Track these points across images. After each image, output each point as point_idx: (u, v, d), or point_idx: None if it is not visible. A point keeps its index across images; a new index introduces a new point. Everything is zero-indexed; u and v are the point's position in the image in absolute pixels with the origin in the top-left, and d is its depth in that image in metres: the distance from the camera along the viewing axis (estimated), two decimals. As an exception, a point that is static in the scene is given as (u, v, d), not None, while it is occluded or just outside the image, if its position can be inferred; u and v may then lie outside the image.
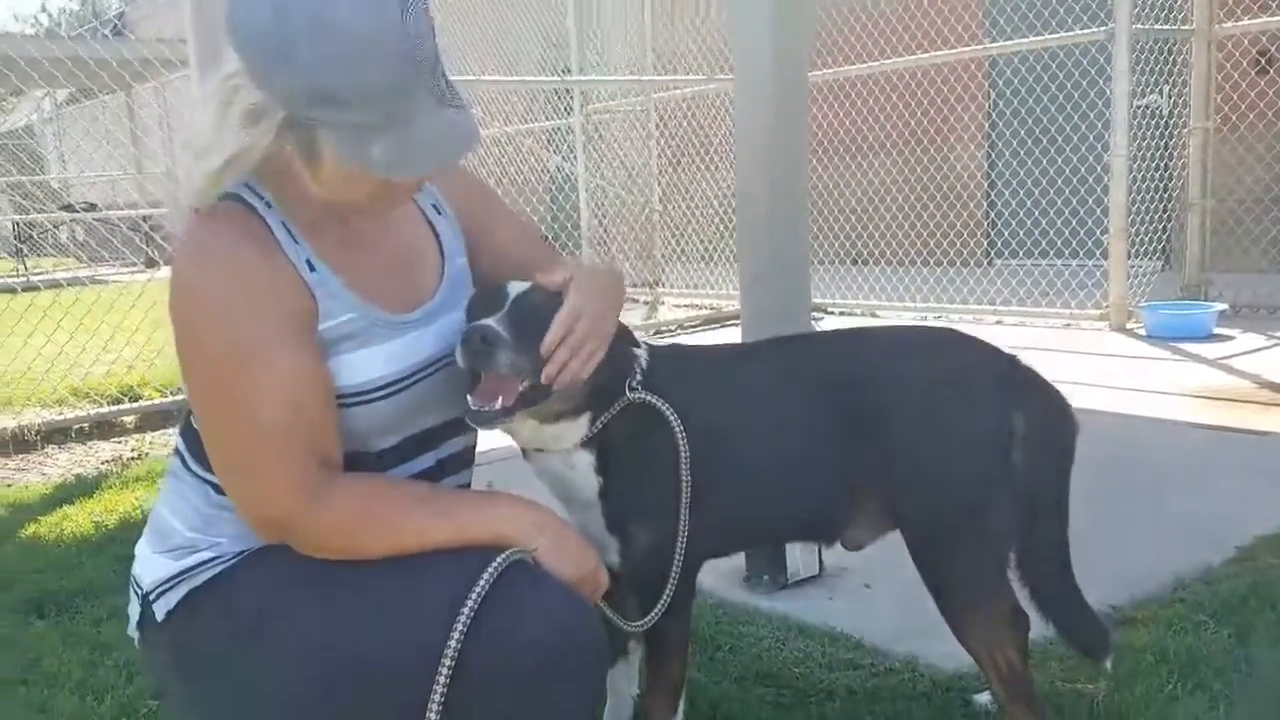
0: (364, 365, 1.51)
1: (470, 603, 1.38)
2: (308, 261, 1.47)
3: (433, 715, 1.36)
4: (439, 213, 1.73)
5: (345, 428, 1.50)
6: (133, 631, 1.62)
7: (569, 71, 9.08)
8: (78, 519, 3.74)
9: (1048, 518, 1.87)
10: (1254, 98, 6.96)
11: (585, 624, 1.45)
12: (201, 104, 1.41)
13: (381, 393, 1.52)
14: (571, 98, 9.17)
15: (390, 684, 1.39)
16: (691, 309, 8.68)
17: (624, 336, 1.76)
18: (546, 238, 1.97)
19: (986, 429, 1.81)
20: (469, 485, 1.78)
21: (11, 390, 5.82)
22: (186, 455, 1.58)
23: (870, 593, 2.76)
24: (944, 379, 1.86)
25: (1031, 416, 1.81)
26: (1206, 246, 7.05)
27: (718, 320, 8.22)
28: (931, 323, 7.22)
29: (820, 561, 2.84)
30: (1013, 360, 1.90)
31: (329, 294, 1.49)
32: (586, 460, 1.76)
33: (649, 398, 1.73)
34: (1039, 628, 1.98)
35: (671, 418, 1.73)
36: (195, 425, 1.53)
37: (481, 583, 1.39)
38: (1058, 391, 1.89)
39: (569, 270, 1.62)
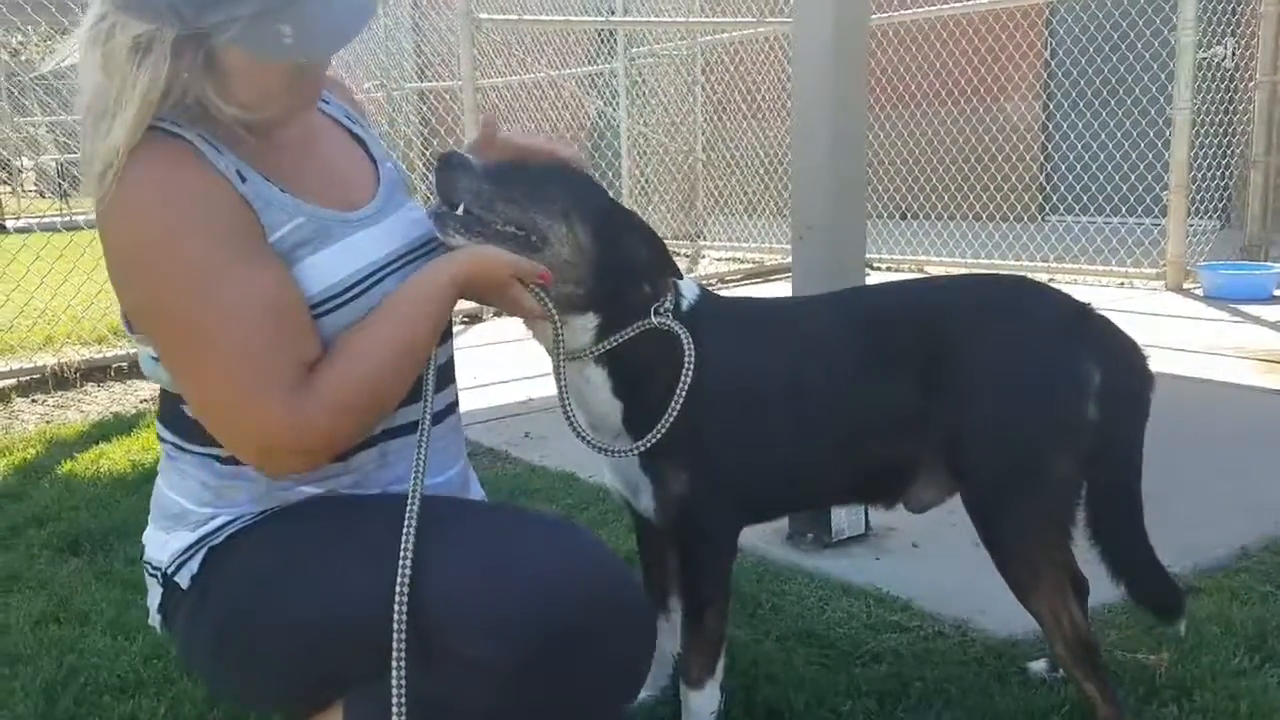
0: (328, 266, 1.42)
1: (406, 549, 1.31)
2: (238, 173, 1.38)
3: (397, 663, 1.26)
4: (353, 121, 1.65)
5: (323, 338, 1.41)
6: (154, 619, 1.57)
7: (613, 13, 8.89)
8: (114, 457, 3.72)
9: (1121, 475, 1.79)
10: (1327, 50, 6.66)
11: (626, 580, 1.37)
12: (82, 62, 1.31)
13: (351, 293, 1.43)
14: (615, 40, 8.99)
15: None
16: (734, 262, 8.54)
17: (665, 267, 1.70)
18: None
19: (1057, 380, 1.73)
20: (456, 401, 1.70)
21: (52, 327, 5.83)
22: (176, 438, 1.51)
23: (918, 552, 2.67)
24: (1014, 328, 1.78)
25: (1106, 369, 1.73)
26: (1269, 205, 6.81)
27: (760, 274, 8.08)
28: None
29: (866, 520, 2.75)
30: (1086, 309, 1.82)
31: (268, 203, 1.40)
32: (600, 377, 1.69)
33: (669, 324, 1.64)
34: (1096, 595, 1.90)
35: (686, 344, 1.64)
36: (178, 406, 1.46)
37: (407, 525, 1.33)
38: (1134, 343, 1.80)
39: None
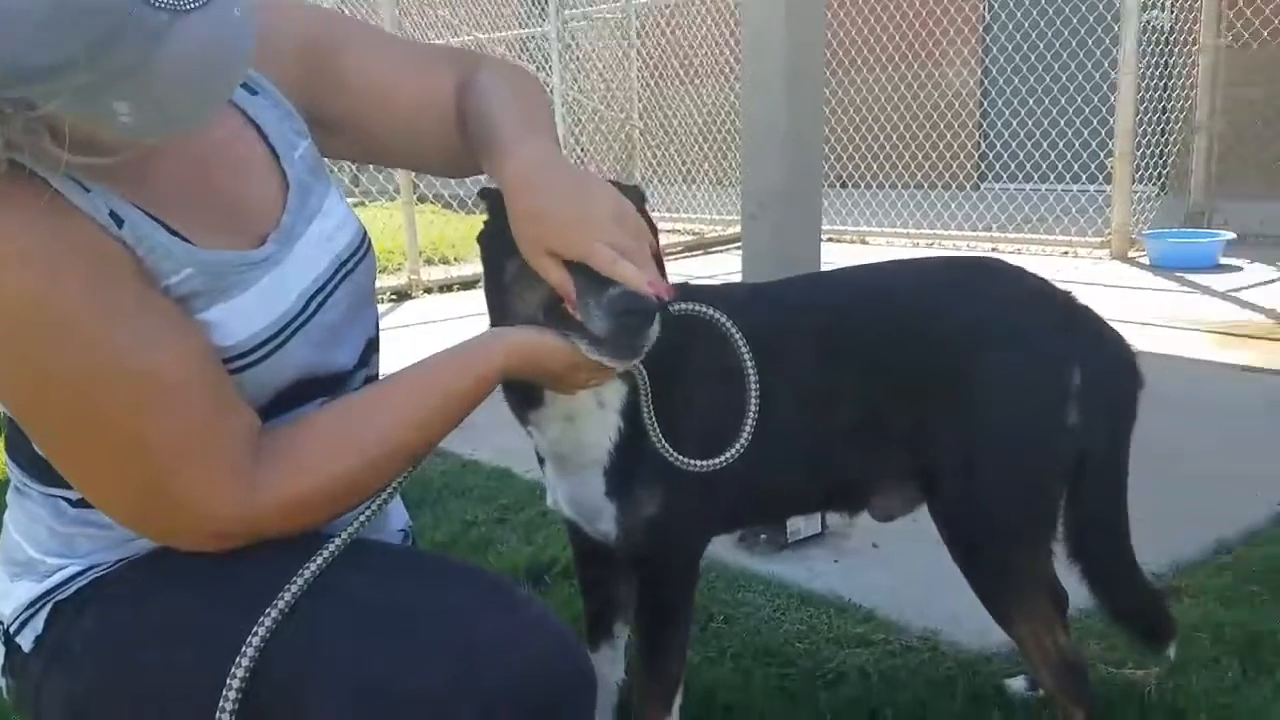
0: (228, 324, 1.15)
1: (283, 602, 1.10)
2: (111, 214, 1.08)
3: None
4: (252, 92, 1.31)
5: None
6: (0, 682, 1.30)
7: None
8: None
9: (1103, 485, 1.62)
10: (1269, 13, 6.58)
11: (570, 652, 1.15)
12: None
13: (259, 352, 1.17)
14: (547, 3, 8.66)
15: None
16: (674, 234, 8.26)
17: None
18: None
19: (1037, 380, 1.55)
20: None
21: None
22: (25, 475, 1.24)
23: (880, 554, 2.49)
24: (987, 321, 1.57)
25: (1090, 367, 1.55)
26: (1212, 172, 6.75)
27: (701, 246, 7.84)
28: (924, 250, 6.92)
29: (823, 519, 2.56)
30: (1068, 299, 1.63)
31: (152, 248, 1.10)
32: (618, 396, 1.45)
33: (700, 309, 1.35)
34: (1074, 600, 1.74)
35: (734, 332, 1.35)
36: (32, 442, 1.18)
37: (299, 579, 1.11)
38: (1120, 337, 1.62)
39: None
